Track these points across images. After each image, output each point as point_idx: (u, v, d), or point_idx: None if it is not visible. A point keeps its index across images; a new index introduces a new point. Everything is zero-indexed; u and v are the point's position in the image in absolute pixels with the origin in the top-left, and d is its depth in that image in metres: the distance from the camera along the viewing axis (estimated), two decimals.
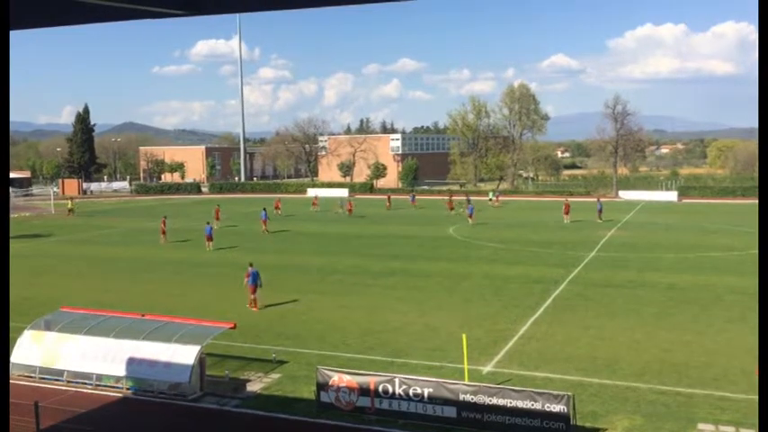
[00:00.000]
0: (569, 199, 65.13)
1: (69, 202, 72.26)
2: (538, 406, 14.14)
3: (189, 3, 9.45)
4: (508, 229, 53.12)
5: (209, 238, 42.56)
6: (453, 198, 72.67)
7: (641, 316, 24.71)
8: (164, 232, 46.62)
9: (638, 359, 19.57)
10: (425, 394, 15.05)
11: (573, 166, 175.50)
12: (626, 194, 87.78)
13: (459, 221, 58.17)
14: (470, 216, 57.81)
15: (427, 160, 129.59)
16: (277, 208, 65.19)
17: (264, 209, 55.43)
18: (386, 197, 78.26)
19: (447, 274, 33.53)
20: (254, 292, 26.29)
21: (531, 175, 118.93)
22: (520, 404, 14.29)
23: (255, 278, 26.36)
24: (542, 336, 22.21)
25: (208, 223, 44.50)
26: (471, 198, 71.16)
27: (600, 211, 57.77)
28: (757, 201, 7.43)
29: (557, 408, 13.99)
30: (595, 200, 64.76)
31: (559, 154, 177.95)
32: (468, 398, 14.70)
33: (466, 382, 15.58)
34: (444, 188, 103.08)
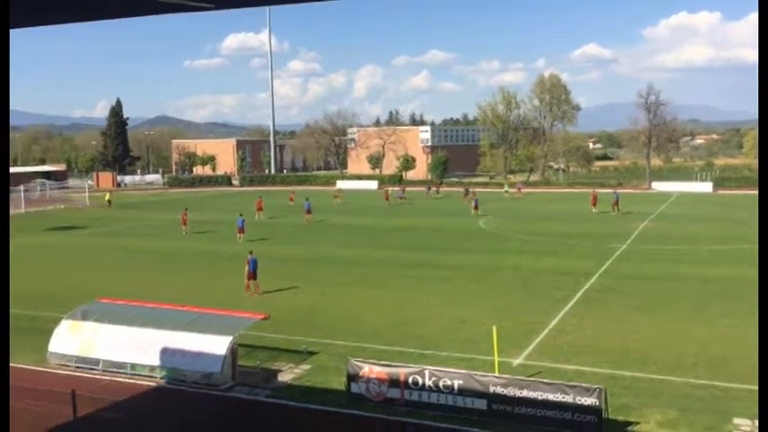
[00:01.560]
0: (597, 190, 64.47)
1: (107, 194, 73.86)
2: (569, 399, 14.04)
3: None
4: (538, 221, 52.71)
5: (241, 230, 42.96)
6: (472, 191, 72.77)
7: (674, 309, 24.36)
8: (185, 223, 47.61)
9: (672, 352, 19.31)
10: (455, 386, 15.03)
11: (605, 158, 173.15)
12: (659, 186, 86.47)
13: (487, 213, 57.87)
14: (475, 208, 58.10)
15: (457, 152, 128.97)
16: (291, 200, 67.07)
17: (307, 199, 56.54)
18: (385, 190, 75.77)
19: (477, 266, 33.41)
20: (252, 278, 27.38)
21: (562, 166, 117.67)
22: (551, 397, 14.20)
23: (254, 266, 27.36)
24: (573, 328, 22.03)
25: (240, 215, 44.92)
26: (478, 190, 71.64)
27: (616, 202, 57.04)
28: None
29: (588, 401, 13.88)
30: (612, 191, 63.79)
31: (591, 145, 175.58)
32: (499, 390, 14.65)
33: (496, 374, 15.53)
34: (467, 180, 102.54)
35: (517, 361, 18.77)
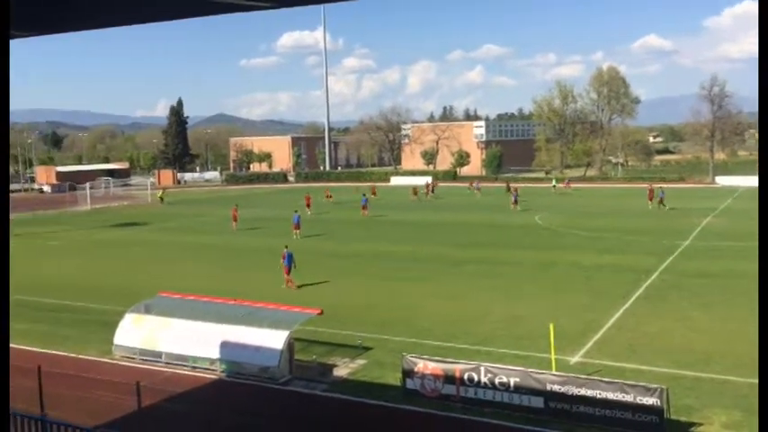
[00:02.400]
0: (654, 185, 62.96)
1: (160, 191, 76.25)
2: (629, 398, 13.76)
3: None
4: (596, 217, 51.75)
5: (297, 227, 43.52)
6: (512, 186, 72.43)
7: (738, 307, 23.54)
8: (235, 219, 48.54)
9: (735, 352, 18.68)
10: (512, 383, 14.91)
11: (666, 152, 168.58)
12: (723, 180, 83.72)
13: (534, 209, 57.10)
14: (515, 203, 57.97)
15: (512, 147, 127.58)
16: (328, 197, 68.53)
17: (364, 194, 58.35)
18: (426, 186, 76.35)
19: (533, 263, 33.02)
20: (288, 272, 28.14)
21: (621, 161, 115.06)
22: (610, 396, 13.95)
23: (290, 260, 28.18)
24: (633, 326, 21.56)
25: (296, 212, 45.53)
26: (528, 186, 71.08)
27: (661, 199, 55.59)
28: None
29: (650, 400, 13.58)
30: (657, 187, 61.93)
31: (651, 139, 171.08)
32: (556, 388, 14.46)
33: (553, 372, 15.34)
34: (522, 176, 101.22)
35: (575, 359, 18.49)
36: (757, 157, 7.74)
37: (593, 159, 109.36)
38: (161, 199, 73.30)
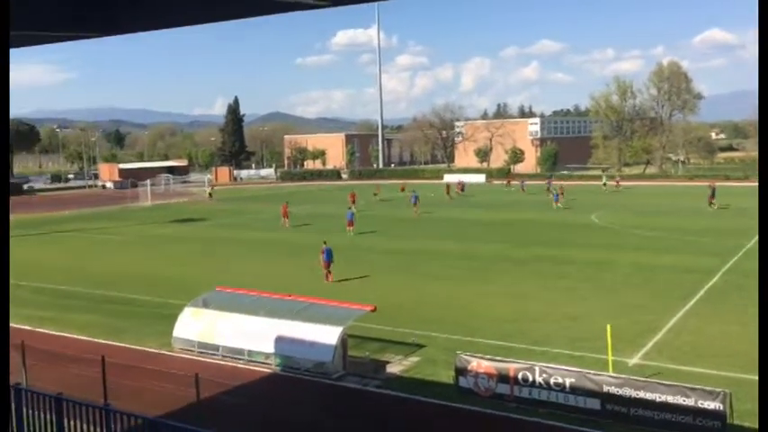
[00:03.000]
0: (714, 183, 61.06)
1: (209, 188, 78.43)
2: (690, 402, 13.37)
3: None
4: (656, 216, 50.50)
5: (350, 223, 43.78)
6: (555, 183, 71.45)
7: None
8: (285, 216, 49.02)
9: None
10: (567, 384, 14.67)
11: (729, 149, 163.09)
12: None
13: (601, 208, 55.98)
14: (556, 202, 57.58)
15: (567, 145, 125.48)
16: (376, 194, 68.96)
17: (414, 191, 58.80)
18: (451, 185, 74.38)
19: (590, 262, 32.42)
20: (327, 267, 28.92)
21: (682, 158, 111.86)
22: (670, 399, 13.58)
23: (329, 255, 28.98)
24: (695, 329, 20.94)
25: (349, 208, 45.88)
26: (567, 184, 70.10)
27: (712, 196, 53.97)
28: None
29: (712, 405, 13.17)
30: (708, 185, 59.80)
31: (714, 135, 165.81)
32: (613, 390, 14.16)
33: (610, 374, 15.03)
34: (578, 174, 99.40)
35: (633, 361, 18.08)
36: None
37: (653, 157, 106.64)
38: (210, 195, 75.40)
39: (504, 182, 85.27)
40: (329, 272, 29.17)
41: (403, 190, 71.99)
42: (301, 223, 49.44)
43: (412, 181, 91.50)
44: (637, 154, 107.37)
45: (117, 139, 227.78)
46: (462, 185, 75.65)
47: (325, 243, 29.76)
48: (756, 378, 16.56)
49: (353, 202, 57.68)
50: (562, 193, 60.94)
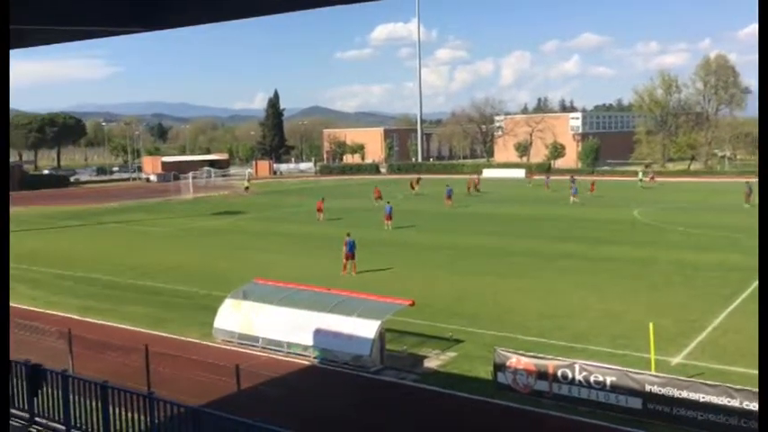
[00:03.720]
0: (751, 180, 59.40)
1: (246, 181, 79.35)
2: (735, 403, 13.08)
3: None
4: (701, 213, 49.43)
5: (389, 217, 43.81)
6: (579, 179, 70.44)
7: None
8: (320, 210, 49.03)
9: None
10: (608, 382, 14.48)
11: None
12: None
13: (643, 204, 55.00)
14: (574, 196, 57.50)
15: (609, 140, 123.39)
16: (412, 188, 68.84)
17: (448, 185, 59.58)
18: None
19: (631, 259, 31.90)
20: (350, 258, 29.32)
21: (728, 154, 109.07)
22: (714, 400, 13.30)
23: (351, 247, 29.32)
24: (740, 328, 20.43)
25: (388, 203, 45.92)
26: (588, 179, 68.74)
27: (749, 194, 51.72)
28: None
29: (758, 406, 12.85)
30: (744, 181, 57.79)
31: None
32: (656, 389, 13.93)
33: (653, 373, 14.78)
34: (621, 169, 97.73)
35: (676, 360, 17.75)
36: None
37: (698, 153, 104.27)
38: (246, 188, 76.32)
39: (529, 176, 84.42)
40: (353, 264, 29.42)
41: (378, 198, 61.57)
42: (337, 217, 49.58)
43: (449, 176, 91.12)
44: (681, 149, 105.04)
45: (160, 132, 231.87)
46: (476, 182, 72.31)
47: (348, 235, 30.22)
48: None
49: (379, 197, 57.73)
50: (593, 189, 60.37)
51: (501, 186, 76.98)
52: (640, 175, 77.83)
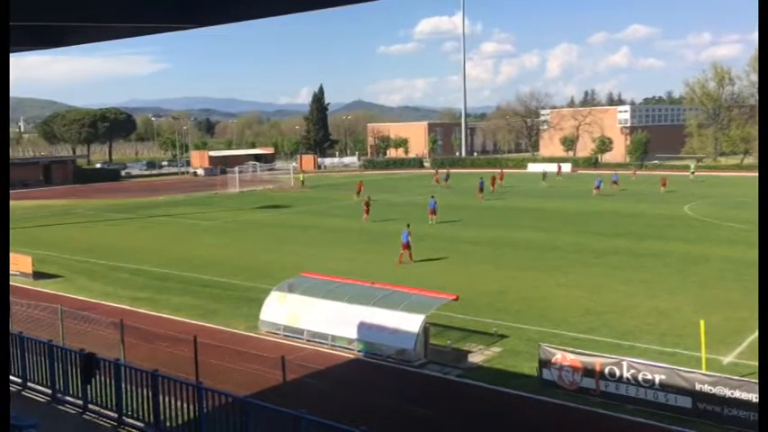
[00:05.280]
0: None
1: (301, 175, 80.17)
2: None
3: None
4: (751, 209, 47.96)
5: (433, 212, 43.71)
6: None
7: None
8: (366, 213, 45.95)
9: None
10: (657, 381, 14.23)
11: None
12: None
13: (674, 201, 53.66)
14: (597, 188, 58.36)
15: (659, 133, 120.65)
16: (437, 180, 70.27)
17: (482, 178, 60.09)
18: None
19: (680, 255, 31.20)
20: (406, 248, 30.39)
21: None
22: None
23: (406, 238, 30.55)
24: None
25: (432, 197, 45.83)
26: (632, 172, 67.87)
27: None
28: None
29: None
30: None
31: None
32: (707, 389, 13.64)
33: (703, 372, 14.46)
34: (668, 163, 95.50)
35: (727, 359, 17.33)
36: None
37: (752, 147, 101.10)
38: (302, 182, 77.13)
39: (556, 171, 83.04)
40: (410, 254, 30.43)
41: (359, 192, 59.98)
42: (383, 212, 49.63)
43: (490, 170, 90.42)
44: (734, 143, 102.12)
45: (207, 127, 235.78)
46: (495, 177, 66.39)
47: (408, 226, 31.78)
48: None
49: (360, 191, 58.64)
50: (664, 185, 59.73)
51: (525, 181, 75.79)
52: (692, 167, 76.58)
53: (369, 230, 42.09)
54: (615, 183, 63.89)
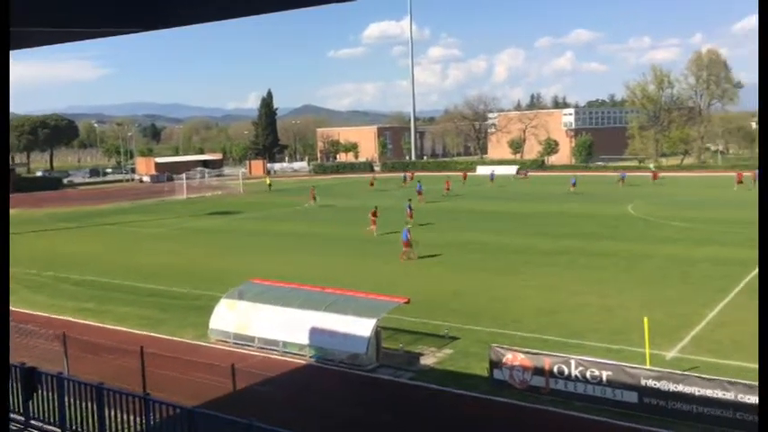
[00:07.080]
0: (744, 173, 63.61)
1: (267, 179, 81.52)
2: (730, 396, 13.14)
3: None
4: (692, 207, 49.54)
5: (410, 215, 44.59)
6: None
7: None
8: (374, 222, 41.42)
9: None
10: (604, 377, 14.52)
11: None
12: None
13: (638, 198, 55.09)
14: (573, 186, 63.41)
15: (602, 135, 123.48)
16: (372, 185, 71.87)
17: (419, 181, 63.21)
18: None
19: (625, 254, 31.97)
20: (407, 246, 32.07)
21: (721, 148, 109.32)
22: (709, 393, 13.36)
23: (406, 235, 32.30)
24: (735, 321, 20.52)
25: (409, 200, 47.44)
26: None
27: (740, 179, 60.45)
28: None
29: (753, 399, 12.91)
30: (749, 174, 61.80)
31: (754, 125, 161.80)
32: (651, 383, 13.98)
33: (648, 367, 14.83)
34: (612, 165, 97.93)
35: (671, 354, 17.81)
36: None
37: (691, 147, 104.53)
38: (269, 186, 79.22)
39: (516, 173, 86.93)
40: (412, 251, 32.17)
41: (314, 198, 60.56)
42: (334, 216, 49.52)
43: (445, 173, 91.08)
44: (674, 144, 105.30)
45: (153, 133, 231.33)
46: (449, 180, 69.09)
47: (407, 224, 36.13)
48: None
49: (313, 198, 59.07)
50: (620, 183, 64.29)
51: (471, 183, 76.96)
52: (652, 166, 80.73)
53: (319, 235, 41.88)
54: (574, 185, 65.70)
